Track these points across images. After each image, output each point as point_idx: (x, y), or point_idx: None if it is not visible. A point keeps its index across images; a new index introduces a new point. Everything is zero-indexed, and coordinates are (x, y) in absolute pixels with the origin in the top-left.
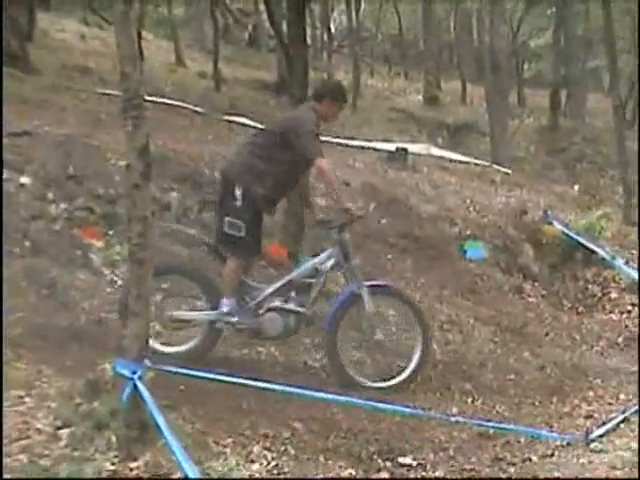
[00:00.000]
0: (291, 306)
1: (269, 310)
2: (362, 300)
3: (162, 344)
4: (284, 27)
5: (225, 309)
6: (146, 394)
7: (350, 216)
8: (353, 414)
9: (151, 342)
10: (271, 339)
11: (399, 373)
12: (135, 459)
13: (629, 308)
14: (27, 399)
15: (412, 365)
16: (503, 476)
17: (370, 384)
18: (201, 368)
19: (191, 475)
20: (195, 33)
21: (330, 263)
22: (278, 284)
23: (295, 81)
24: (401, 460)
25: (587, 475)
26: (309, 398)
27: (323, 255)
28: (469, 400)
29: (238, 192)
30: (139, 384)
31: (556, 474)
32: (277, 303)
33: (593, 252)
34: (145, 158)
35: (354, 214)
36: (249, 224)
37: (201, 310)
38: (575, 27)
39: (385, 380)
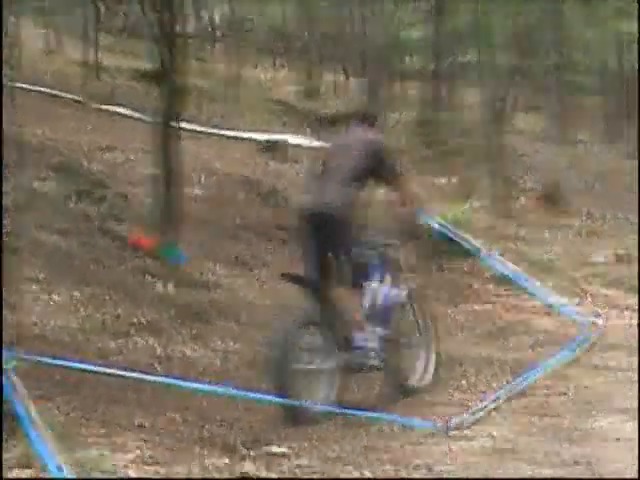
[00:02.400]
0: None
1: None
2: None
3: None
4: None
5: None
6: (12, 385)
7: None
8: (230, 405)
9: None
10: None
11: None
12: (6, 451)
13: (494, 299)
14: None
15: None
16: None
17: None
18: (76, 359)
19: (50, 465)
20: (76, 21)
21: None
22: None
23: (171, 70)
24: (270, 449)
25: (447, 462)
26: (185, 389)
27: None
28: None
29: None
30: (7, 376)
31: (417, 461)
32: None
33: (459, 244)
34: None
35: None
36: None
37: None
38: (448, 20)
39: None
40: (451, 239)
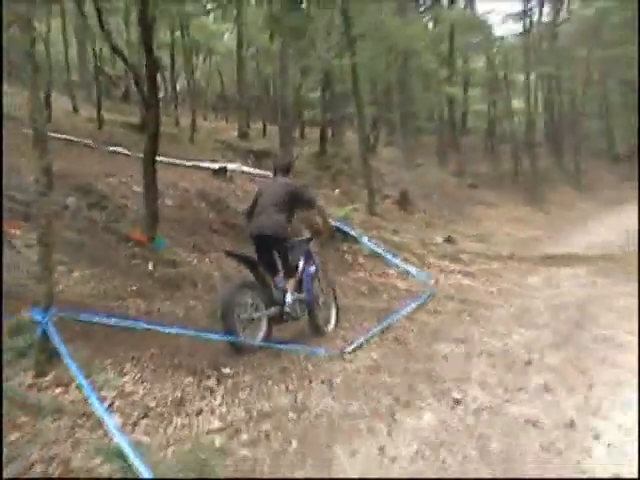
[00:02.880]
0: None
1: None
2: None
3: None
4: (145, 88)
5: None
6: (52, 332)
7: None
8: (193, 342)
9: None
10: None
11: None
12: (45, 376)
13: (369, 269)
14: None
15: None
16: (288, 380)
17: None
18: (90, 314)
19: (81, 380)
20: (87, 91)
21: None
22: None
23: (151, 123)
24: (223, 370)
25: (340, 376)
26: (162, 332)
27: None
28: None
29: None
30: (47, 326)
31: (321, 376)
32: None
33: (347, 233)
34: (48, 174)
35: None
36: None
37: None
38: (335, 87)
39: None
40: (342, 230)
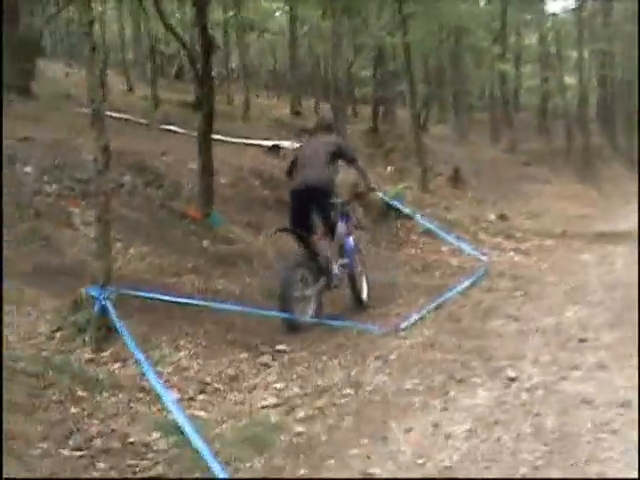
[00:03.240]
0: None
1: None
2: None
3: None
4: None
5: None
6: (110, 308)
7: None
8: (247, 319)
9: None
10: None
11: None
12: (103, 351)
13: (422, 246)
14: (32, 313)
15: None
16: (342, 356)
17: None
18: (146, 290)
19: (138, 356)
20: (141, 70)
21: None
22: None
23: (205, 101)
24: (278, 347)
25: (395, 352)
26: (217, 309)
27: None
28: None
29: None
30: (105, 302)
31: (376, 353)
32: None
33: (399, 210)
34: (106, 153)
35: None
36: None
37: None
38: (387, 64)
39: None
40: (394, 207)
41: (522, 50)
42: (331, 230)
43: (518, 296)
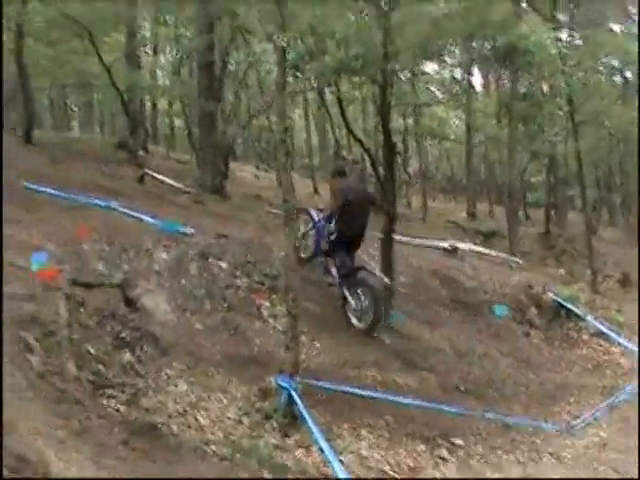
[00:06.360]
0: None
1: None
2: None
3: None
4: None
5: None
6: (296, 398)
7: None
8: (425, 412)
9: None
10: None
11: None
12: (289, 437)
13: (594, 346)
14: (223, 398)
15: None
16: (518, 452)
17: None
18: (330, 382)
19: (322, 444)
20: (326, 173)
21: None
22: None
23: (388, 204)
24: (453, 440)
25: (569, 450)
26: (396, 402)
27: None
28: (495, 403)
29: None
30: (292, 392)
31: (550, 449)
32: None
33: (572, 311)
34: (297, 252)
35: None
36: None
37: None
38: (559, 170)
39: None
40: (567, 308)
41: None
42: None
43: None
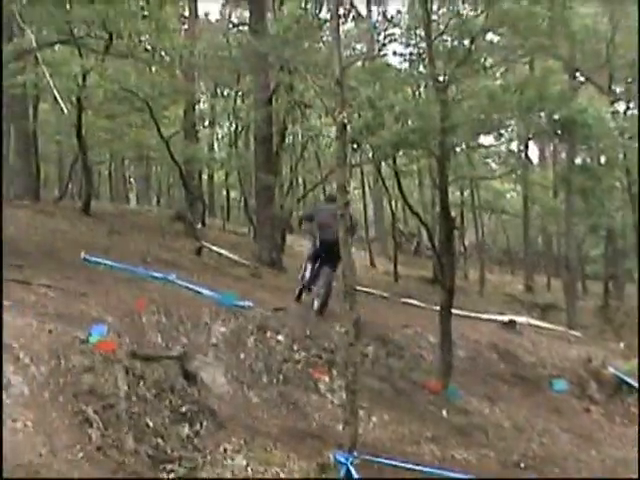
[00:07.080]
0: None
1: None
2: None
3: None
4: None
5: None
6: (355, 474)
7: None
8: None
9: None
10: None
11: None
12: None
13: None
14: (281, 473)
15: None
16: None
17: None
18: (388, 458)
19: None
20: (381, 246)
21: None
22: None
23: (446, 277)
24: None
25: None
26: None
27: None
28: None
29: None
30: (350, 467)
31: None
32: None
33: (633, 386)
34: (357, 327)
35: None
36: None
37: None
38: (617, 243)
39: None
40: (628, 383)
41: None
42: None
43: None
